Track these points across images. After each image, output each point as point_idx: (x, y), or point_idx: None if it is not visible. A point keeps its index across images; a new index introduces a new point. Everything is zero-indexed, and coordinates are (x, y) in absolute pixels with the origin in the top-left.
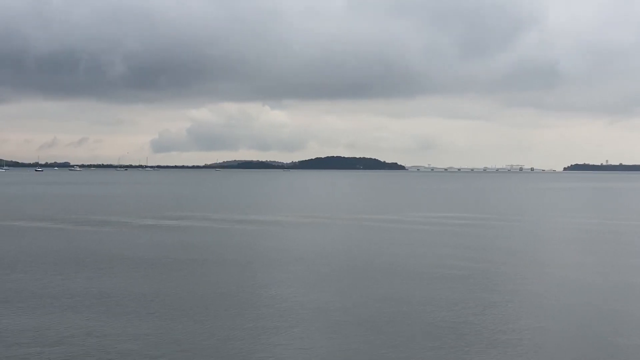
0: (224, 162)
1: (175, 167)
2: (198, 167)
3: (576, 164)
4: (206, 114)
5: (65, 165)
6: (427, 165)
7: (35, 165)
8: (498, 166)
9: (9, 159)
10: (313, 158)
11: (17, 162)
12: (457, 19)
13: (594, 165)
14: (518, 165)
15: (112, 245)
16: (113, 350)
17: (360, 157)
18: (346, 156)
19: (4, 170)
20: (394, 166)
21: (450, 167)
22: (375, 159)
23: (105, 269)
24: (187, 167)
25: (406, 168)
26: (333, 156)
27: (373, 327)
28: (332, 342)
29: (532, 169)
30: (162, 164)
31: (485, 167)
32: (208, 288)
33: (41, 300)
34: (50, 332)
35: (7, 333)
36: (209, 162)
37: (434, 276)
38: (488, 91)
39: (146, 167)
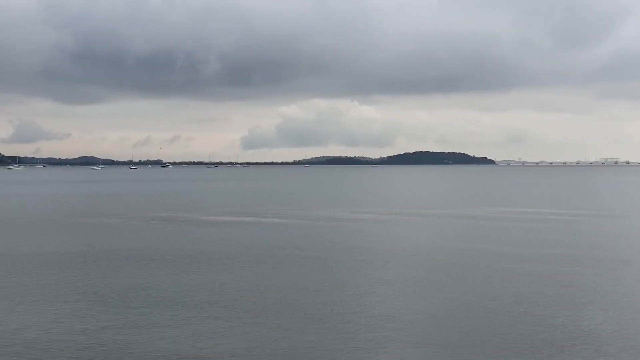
0: (312, 158)
1: (265, 163)
2: (287, 163)
3: None
4: (296, 110)
5: (158, 163)
6: (517, 160)
7: (130, 163)
8: (592, 160)
9: (104, 157)
10: (401, 153)
11: (112, 160)
12: (552, 11)
13: None
14: (612, 158)
15: (214, 242)
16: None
17: (449, 152)
18: (435, 151)
19: (99, 168)
20: (484, 161)
21: (542, 161)
22: (464, 153)
23: (211, 264)
24: (276, 163)
25: (496, 162)
26: (421, 151)
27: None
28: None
29: (627, 162)
30: (251, 161)
31: (578, 161)
32: (304, 285)
33: (155, 298)
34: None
35: (143, 329)
36: (297, 159)
37: (543, 274)
38: (582, 83)
39: (236, 164)
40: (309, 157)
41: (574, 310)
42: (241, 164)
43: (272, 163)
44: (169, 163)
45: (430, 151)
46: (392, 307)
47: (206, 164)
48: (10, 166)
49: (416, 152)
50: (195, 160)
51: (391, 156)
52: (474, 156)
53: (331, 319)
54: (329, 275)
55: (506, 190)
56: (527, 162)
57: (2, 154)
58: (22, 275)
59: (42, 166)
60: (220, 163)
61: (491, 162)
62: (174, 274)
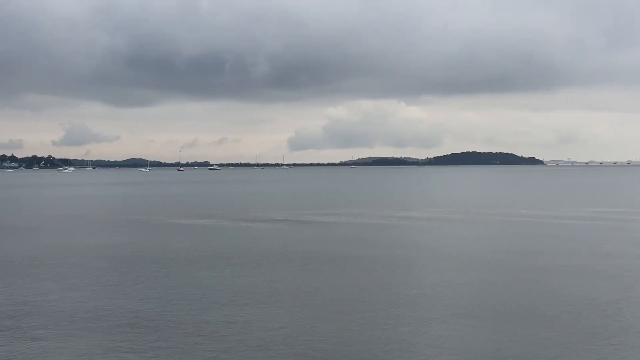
0: (358, 159)
1: (311, 164)
2: (333, 164)
3: None
4: (343, 111)
5: (205, 165)
6: (566, 160)
7: (177, 164)
8: None
9: (152, 159)
10: (448, 154)
11: (160, 162)
12: (604, 9)
13: None
14: None
15: (269, 242)
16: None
17: (496, 153)
18: (482, 151)
19: (148, 170)
20: (532, 161)
21: (592, 161)
22: (512, 153)
23: (275, 264)
24: (322, 164)
25: (544, 163)
26: (468, 152)
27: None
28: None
29: None
30: (297, 162)
31: (629, 161)
32: (360, 285)
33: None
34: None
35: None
36: (344, 160)
37: (605, 273)
38: (634, 82)
39: (282, 165)
40: (355, 158)
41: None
42: (287, 165)
43: (319, 164)
44: (215, 165)
45: (478, 151)
46: (449, 307)
47: (253, 165)
48: (60, 168)
49: (463, 153)
50: (242, 162)
51: (438, 157)
52: (521, 156)
53: (399, 319)
54: (389, 276)
55: (558, 191)
56: (576, 162)
57: (52, 156)
58: (83, 277)
59: (91, 168)
60: (267, 164)
61: (539, 162)
62: (233, 273)
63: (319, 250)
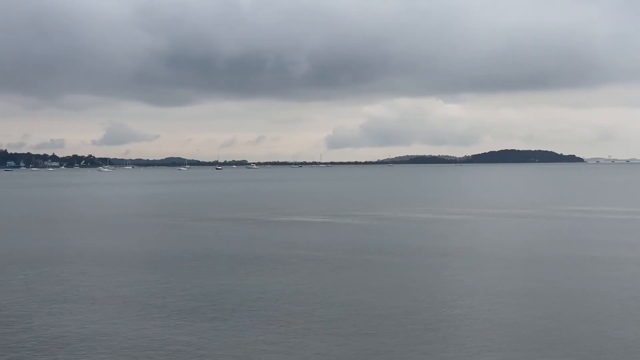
0: (396, 157)
1: (348, 163)
2: (370, 162)
3: None
4: (380, 109)
5: (243, 163)
6: (607, 157)
7: (215, 163)
8: None
9: (190, 157)
10: (486, 152)
11: (199, 161)
12: None
13: None
14: None
15: (308, 243)
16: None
17: (535, 150)
18: (521, 149)
19: (186, 169)
20: (572, 158)
21: (633, 159)
22: (551, 151)
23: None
24: (360, 163)
25: (585, 160)
26: (507, 150)
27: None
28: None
29: None
30: (335, 161)
31: None
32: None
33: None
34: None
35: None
36: (381, 158)
37: None
38: None
39: (319, 163)
40: (392, 156)
41: None
42: (325, 163)
43: (356, 163)
44: (253, 163)
45: (516, 149)
46: (494, 311)
47: (290, 164)
48: (100, 167)
49: (501, 151)
50: (280, 161)
51: (476, 154)
52: (561, 154)
53: (444, 323)
54: (430, 277)
55: (605, 189)
56: (617, 160)
57: (93, 155)
58: (120, 275)
59: (130, 167)
60: (304, 163)
61: (579, 160)
62: (271, 275)
63: (351, 253)
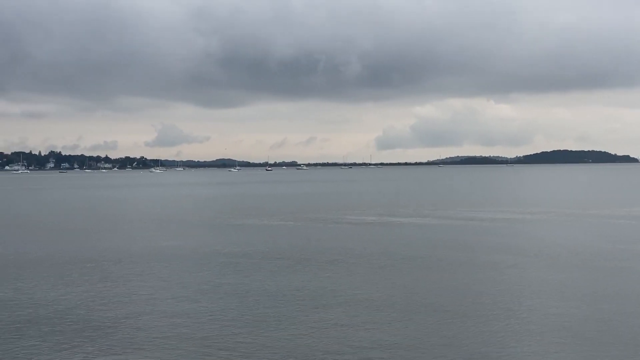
0: (446, 158)
1: (398, 164)
2: (420, 163)
3: None
4: (431, 110)
5: (293, 164)
6: None
7: (265, 164)
8: None
9: (241, 159)
10: (538, 152)
11: (249, 162)
12: None
13: None
14: None
15: (367, 242)
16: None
17: (588, 151)
18: (573, 150)
19: (237, 170)
20: (626, 159)
21: None
22: (604, 151)
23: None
24: (410, 163)
25: (639, 160)
26: (559, 150)
27: None
28: None
29: None
30: (385, 161)
31: None
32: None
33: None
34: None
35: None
36: (431, 159)
37: None
38: None
39: (369, 164)
40: (443, 157)
41: None
42: (375, 164)
43: (406, 163)
44: (303, 164)
45: (569, 150)
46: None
47: (340, 164)
48: (152, 169)
49: (554, 151)
50: (330, 162)
51: (527, 155)
52: (615, 154)
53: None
54: (487, 277)
55: None
56: None
57: (145, 157)
58: (184, 274)
59: (181, 168)
60: (354, 164)
61: (634, 160)
62: (336, 274)
63: (408, 253)
